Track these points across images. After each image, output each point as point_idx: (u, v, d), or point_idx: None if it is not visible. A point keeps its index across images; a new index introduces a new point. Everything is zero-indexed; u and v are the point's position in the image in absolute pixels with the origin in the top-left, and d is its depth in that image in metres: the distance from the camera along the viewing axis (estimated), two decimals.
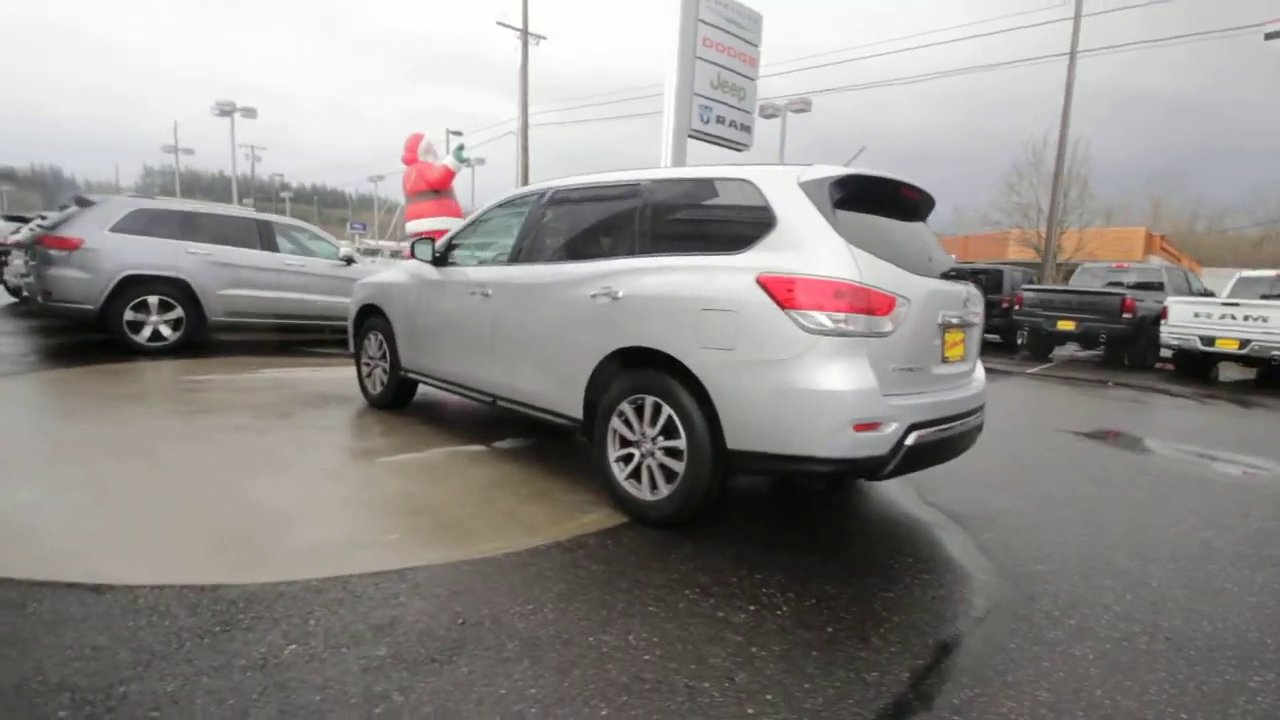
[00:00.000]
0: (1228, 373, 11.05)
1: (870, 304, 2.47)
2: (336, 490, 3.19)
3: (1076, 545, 3.05)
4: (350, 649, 1.89)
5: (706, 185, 3.07)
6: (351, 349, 5.27)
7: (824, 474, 2.58)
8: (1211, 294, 11.76)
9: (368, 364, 5.05)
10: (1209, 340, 9.51)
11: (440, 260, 4.35)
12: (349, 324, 5.27)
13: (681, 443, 2.81)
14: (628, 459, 3.08)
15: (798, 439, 2.52)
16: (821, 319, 2.46)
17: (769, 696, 1.79)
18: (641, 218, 3.21)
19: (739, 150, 21.94)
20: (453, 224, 23.77)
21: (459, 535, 2.74)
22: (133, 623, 1.95)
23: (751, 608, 2.28)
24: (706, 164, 3.23)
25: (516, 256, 3.80)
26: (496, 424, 4.73)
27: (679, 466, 2.84)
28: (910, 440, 2.57)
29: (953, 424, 2.84)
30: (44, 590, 2.08)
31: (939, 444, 2.77)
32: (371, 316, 4.97)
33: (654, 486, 2.96)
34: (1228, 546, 3.14)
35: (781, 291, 2.54)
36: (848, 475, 2.58)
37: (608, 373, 3.14)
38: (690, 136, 19.09)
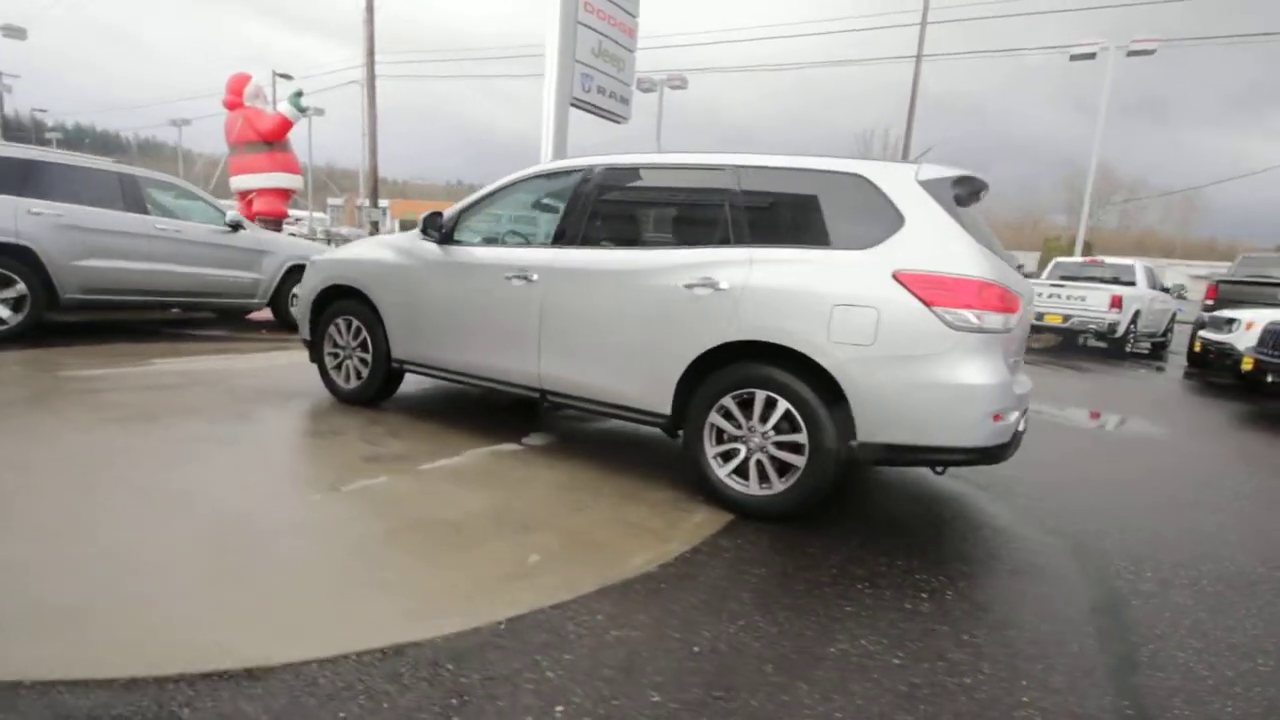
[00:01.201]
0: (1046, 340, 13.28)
1: (1005, 302, 2.63)
2: (415, 510, 2.74)
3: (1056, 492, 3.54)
4: (621, 698, 1.68)
5: (811, 177, 3.02)
6: (305, 336, 4.52)
7: (959, 462, 2.73)
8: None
9: (334, 354, 4.36)
10: (1039, 315, 11.33)
11: (446, 238, 3.85)
12: (301, 308, 4.50)
13: (802, 437, 2.81)
14: (728, 455, 3.02)
15: (940, 430, 2.64)
16: (968, 316, 2.57)
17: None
18: (735, 205, 3.09)
19: (617, 122, 21.77)
20: (292, 181, 21.52)
21: (597, 551, 2.51)
22: (340, 712, 1.55)
23: (924, 595, 2.38)
24: (786, 154, 3.15)
25: (563, 238, 3.48)
26: (502, 417, 4.36)
27: (798, 460, 2.83)
28: (1021, 427, 2.80)
29: (1028, 411, 3.14)
30: (180, 688, 1.58)
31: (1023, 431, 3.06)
32: (339, 300, 4.29)
33: (764, 481, 2.94)
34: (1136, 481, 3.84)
35: (926, 290, 2.61)
36: (978, 463, 2.75)
37: (706, 367, 3.02)
38: (572, 105, 18.67)
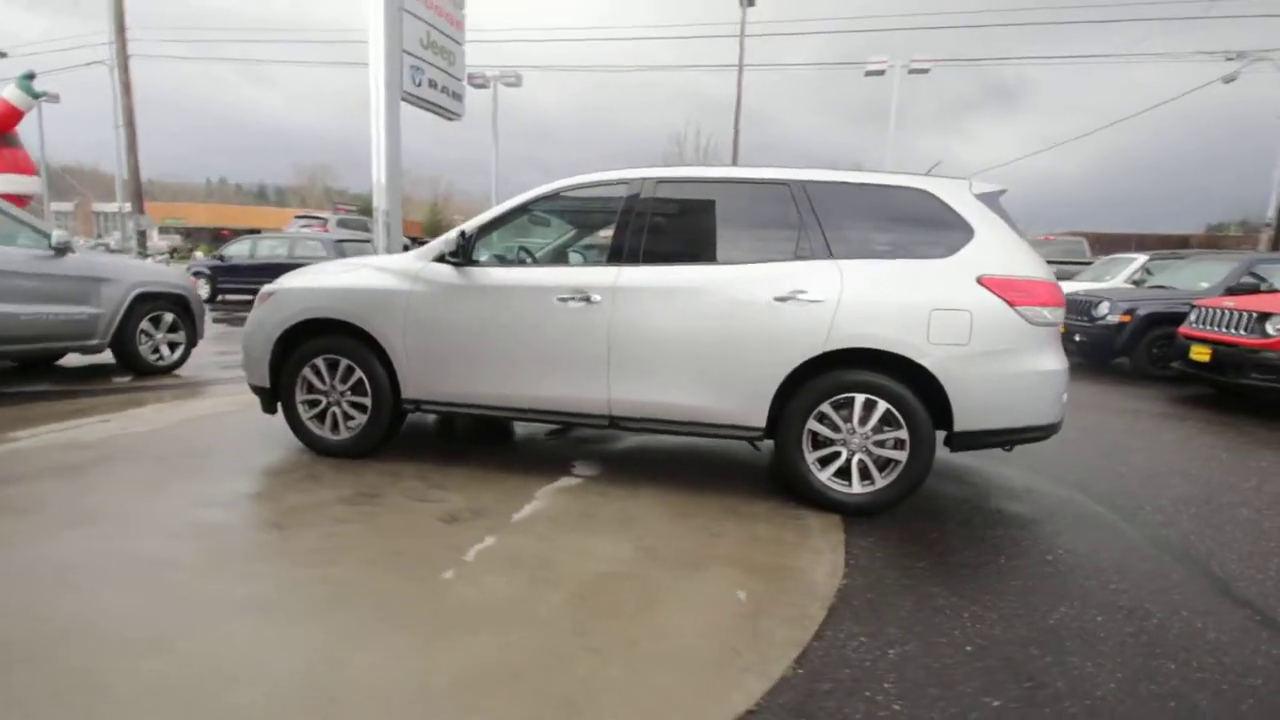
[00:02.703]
0: None
1: (1060, 298, 3.07)
2: (568, 569, 2.43)
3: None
4: (947, 700, 1.73)
5: (880, 192, 3.22)
6: (260, 383, 3.74)
7: (1034, 439, 3.12)
8: None
9: (312, 400, 3.67)
10: None
11: (466, 260, 3.45)
12: (255, 349, 3.71)
13: (903, 433, 3.03)
14: (828, 459, 3.15)
15: (1027, 413, 3.02)
16: (1044, 313, 2.97)
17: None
18: (806, 220, 3.20)
19: (451, 119, 20.90)
20: (25, 184, 17.67)
21: (781, 576, 2.49)
22: None
23: (1048, 557, 2.74)
24: (847, 169, 3.35)
25: (620, 256, 3.31)
26: (523, 451, 4.03)
27: (900, 455, 3.06)
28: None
29: None
30: None
31: None
32: (318, 337, 3.62)
33: (865, 479, 3.11)
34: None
35: (1008, 292, 2.95)
36: (1047, 437, 3.16)
37: (800, 376, 3.11)
38: (403, 100, 17.58)
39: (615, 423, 3.33)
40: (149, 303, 6.05)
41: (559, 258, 4.41)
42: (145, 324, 6.06)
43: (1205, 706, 1.81)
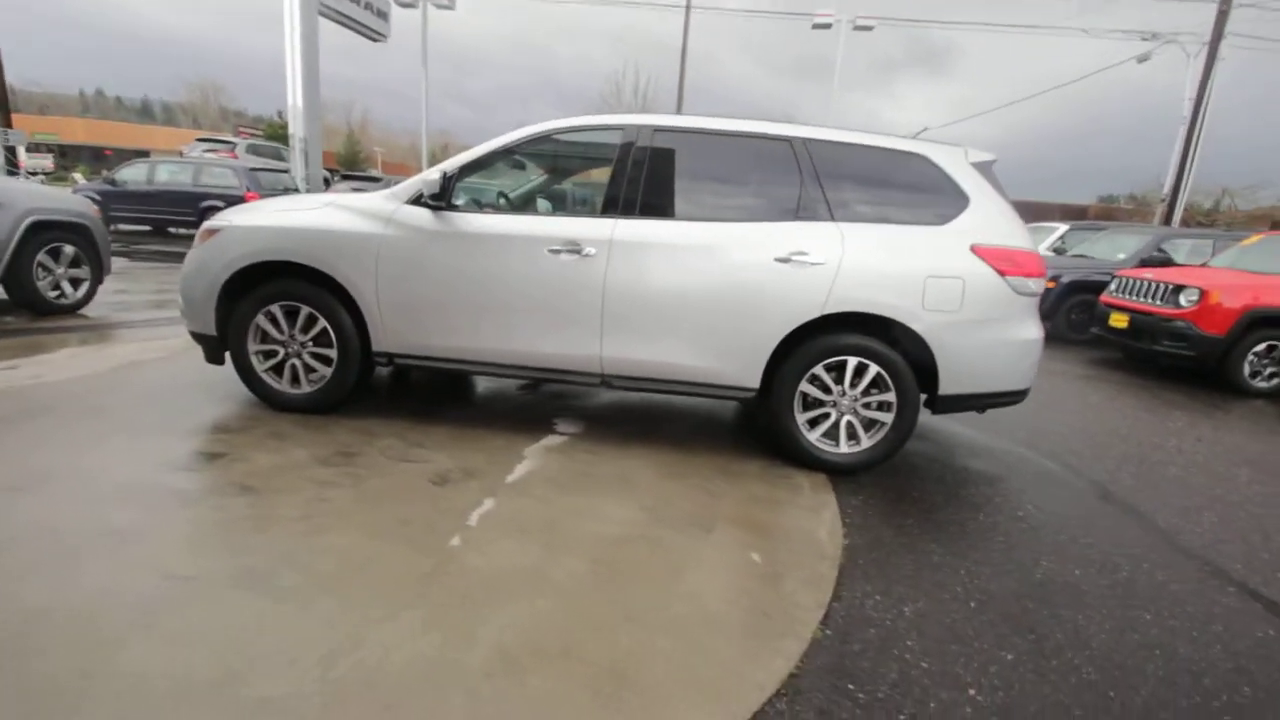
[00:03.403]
0: None
1: (1043, 269, 3.18)
2: (582, 532, 2.36)
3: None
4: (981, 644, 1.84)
5: (880, 155, 3.19)
6: (204, 330, 3.38)
7: (1012, 403, 3.28)
8: None
9: (267, 351, 3.36)
10: None
11: (445, 205, 3.19)
12: (198, 293, 3.33)
13: (890, 396, 3.12)
14: (816, 420, 3.20)
15: (1009, 378, 3.16)
16: (1029, 284, 3.08)
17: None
18: (808, 180, 3.14)
19: (375, 39, 19.49)
20: None
21: (785, 537, 2.53)
22: None
23: (1019, 514, 2.93)
24: (844, 129, 3.29)
25: (616, 207, 3.16)
26: (500, 406, 3.89)
27: (886, 418, 3.15)
28: None
29: None
30: None
31: None
32: (273, 281, 3.29)
33: (851, 440, 3.20)
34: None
35: (999, 261, 3.03)
36: (1019, 401, 3.32)
37: (795, 339, 3.11)
38: (320, 14, 16.29)
39: (607, 381, 3.25)
40: (45, 232, 5.33)
41: (538, 204, 4.18)
42: (43, 256, 5.35)
43: (1185, 653, 1.99)
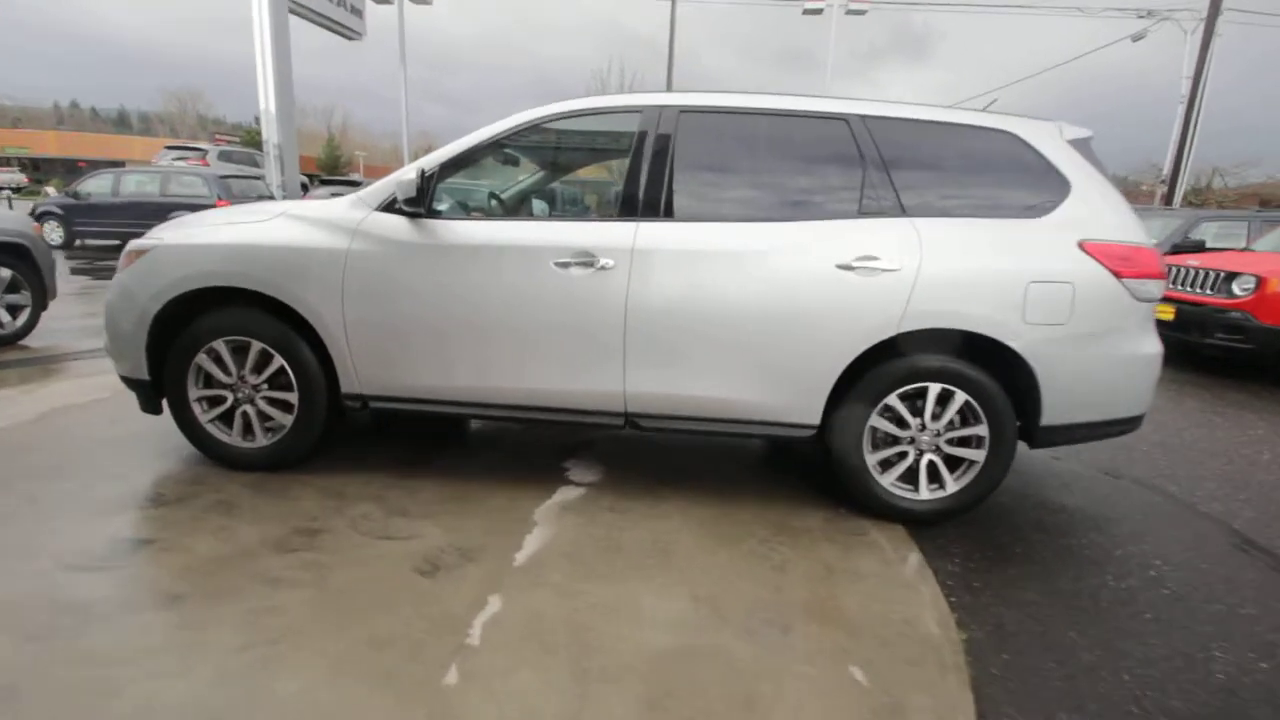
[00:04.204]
0: None
1: (1163, 268, 2.61)
2: (621, 650, 1.78)
3: None
4: None
5: (960, 133, 2.60)
6: (134, 374, 2.75)
7: (1125, 433, 2.70)
8: None
9: (213, 397, 2.74)
10: None
11: (426, 210, 2.58)
12: (124, 329, 2.70)
13: (982, 429, 2.54)
14: (889, 462, 2.62)
15: (1125, 402, 2.58)
16: (1149, 287, 2.50)
17: None
18: (871, 166, 2.55)
19: (351, 38, 18.70)
20: None
21: (904, 649, 1.94)
22: None
23: (1152, 574, 2.35)
24: (913, 103, 2.70)
25: (634, 207, 2.56)
26: (494, 452, 3.28)
27: (976, 455, 2.57)
28: None
29: None
30: None
31: None
32: (219, 311, 2.66)
33: (934, 483, 2.62)
34: None
35: (1115, 261, 2.45)
36: (1134, 430, 2.75)
37: (865, 362, 2.52)
38: (291, 12, 15.45)
39: (632, 422, 2.64)
40: None
41: (536, 206, 3.56)
42: None
43: None
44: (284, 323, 2.65)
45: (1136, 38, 22.03)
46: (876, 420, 2.58)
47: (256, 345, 2.67)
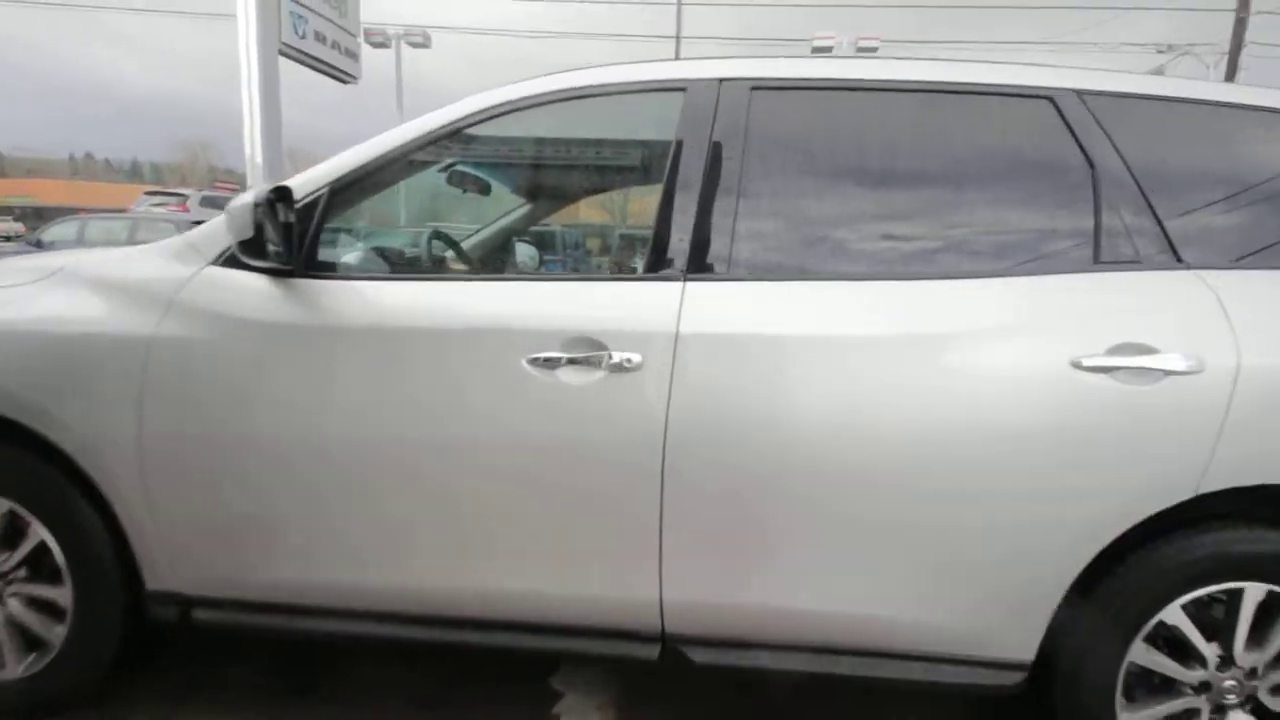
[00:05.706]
0: None
1: None
2: None
3: None
4: None
5: (1244, 120, 1.44)
6: None
7: None
8: None
9: None
10: None
11: (309, 262, 1.43)
12: None
13: None
14: None
15: None
16: None
17: None
18: (1108, 177, 1.39)
19: (345, 81, 17.94)
20: None
21: None
22: None
23: None
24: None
25: (682, 257, 1.40)
26: (419, 669, 2.03)
27: None
28: None
29: None
30: None
31: None
32: None
33: None
34: None
35: None
36: None
37: (1125, 547, 1.32)
38: (281, 54, 14.53)
39: (674, 649, 1.42)
40: None
41: (506, 254, 2.39)
42: None
43: None
44: (49, 465, 1.47)
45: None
46: (1139, 651, 1.36)
47: (2, 505, 1.48)
